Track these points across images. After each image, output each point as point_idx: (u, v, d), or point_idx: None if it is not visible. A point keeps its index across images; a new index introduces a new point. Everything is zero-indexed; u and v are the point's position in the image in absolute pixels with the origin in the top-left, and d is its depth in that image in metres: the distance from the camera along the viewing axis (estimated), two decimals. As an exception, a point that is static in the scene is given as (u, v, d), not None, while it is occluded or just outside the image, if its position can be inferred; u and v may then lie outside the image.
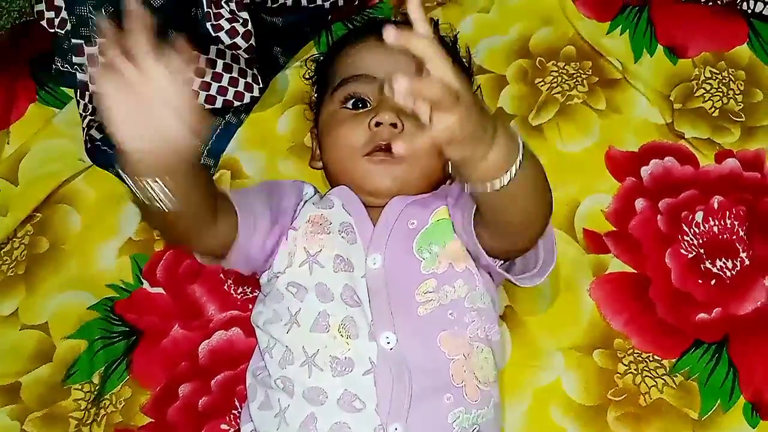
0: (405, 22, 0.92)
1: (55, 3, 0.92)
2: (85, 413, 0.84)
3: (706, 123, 0.94)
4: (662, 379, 0.81)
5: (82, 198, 0.96)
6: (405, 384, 0.67)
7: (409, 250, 0.73)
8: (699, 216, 0.88)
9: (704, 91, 0.96)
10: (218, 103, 0.97)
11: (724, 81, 0.96)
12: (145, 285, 0.90)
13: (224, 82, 0.97)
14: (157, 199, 0.59)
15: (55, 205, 0.95)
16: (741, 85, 0.96)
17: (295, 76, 1.00)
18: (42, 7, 0.96)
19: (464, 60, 0.94)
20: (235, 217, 0.71)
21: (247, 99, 0.97)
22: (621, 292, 0.85)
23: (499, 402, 0.74)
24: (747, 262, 0.85)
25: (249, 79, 0.97)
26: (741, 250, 0.86)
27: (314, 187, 0.82)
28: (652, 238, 0.87)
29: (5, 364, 0.87)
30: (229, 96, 0.97)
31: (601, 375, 0.81)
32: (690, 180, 0.91)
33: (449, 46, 0.89)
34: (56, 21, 0.88)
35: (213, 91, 0.97)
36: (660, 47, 0.99)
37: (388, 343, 0.69)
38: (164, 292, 0.89)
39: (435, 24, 0.96)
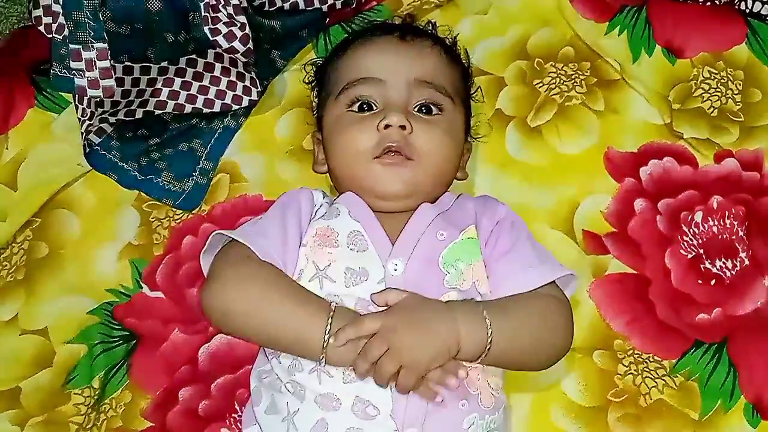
0: (405, 24, 0.92)
1: (53, 8, 0.92)
2: (85, 418, 0.84)
3: (705, 123, 0.94)
4: (663, 379, 0.80)
5: (81, 203, 0.96)
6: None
7: (434, 262, 0.72)
8: (698, 216, 0.88)
9: (703, 91, 0.96)
10: (217, 107, 0.98)
11: (722, 81, 0.96)
12: (145, 289, 0.90)
13: (222, 85, 0.97)
14: None
15: (54, 210, 0.95)
16: (739, 84, 0.96)
17: (293, 80, 1.01)
18: (40, 12, 0.96)
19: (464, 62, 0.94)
20: None
21: (245, 102, 0.98)
22: (621, 293, 0.85)
23: (506, 406, 0.74)
24: (746, 262, 0.85)
25: (247, 83, 0.97)
26: (740, 250, 0.86)
27: (323, 192, 0.81)
28: (652, 239, 0.87)
29: (5, 369, 0.87)
30: (228, 100, 0.97)
31: (602, 376, 0.81)
32: (689, 180, 0.91)
33: (450, 48, 0.89)
34: (54, 26, 0.87)
35: (211, 95, 0.97)
36: (658, 47, 0.99)
37: None
38: (164, 297, 0.89)
39: (433, 26, 0.96)
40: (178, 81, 0.96)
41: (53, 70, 0.86)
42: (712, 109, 0.95)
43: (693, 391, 0.80)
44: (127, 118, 0.96)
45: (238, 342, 0.85)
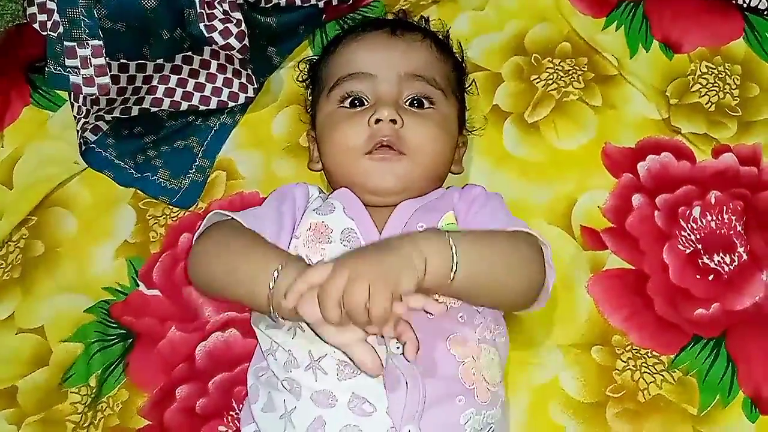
0: (396, 19, 0.92)
1: (48, 6, 0.92)
2: (82, 416, 0.84)
3: (703, 118, 0.94)
4: (661, 375, 0.80)
5: (77, 201, 0.95)
6: (418, 388, 0.67)
7: None
8: (696, 211, 0.88)
9: (700, 86, 0.96)
10: (213, 104, 0.97)
11: (720, 76, 0.96)
12: (141, 287, 0.90)
13: (219, 83, 0.97)
14: None
15: (50, 208, 0.95)
16: (737, 79, 0.96)
17: (289, 77, 1.00)
18: (34, 9, 0.95)
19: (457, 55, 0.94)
20: None
21: (241, 99, 0.97)
22: (619, 289, 0.85)
23: (504, 401, 0.74)
24: (745, 257, 0.85)
25: (243, 80, 0.96)
26: (738, 245, 0.86)
27: (318, 188, 0.81)
28: (650, 234, 0.87)
29: (2, 368, 0.87)
30: (224, 97, 0.97)
31: (600, 371, 0.81)
32: (687, 175, 0.90)
33: (441, 41, 0.88)
34: (49, 24, 0.87)
35: (207, 92, 0.97)
36: (656, 42, 0.99)
37: (398, 347, 0.67)
38: (160, 295, 0.89)
39: (426, 21, 0.96)
40: (174, 78, 0.96)
41: (48, 67, 0.86)
42: (709, 104, 0.95)
43: (691, 386, 0.80)
44: (123, 116, 0.95)
45: (235, 340, 0.85)
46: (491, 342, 0.72)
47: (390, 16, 1.01)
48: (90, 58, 0.85)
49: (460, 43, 0.95)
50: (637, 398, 0.79)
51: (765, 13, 0.98)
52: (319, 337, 0.62)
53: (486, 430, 0.70)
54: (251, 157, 0.96)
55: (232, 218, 0.74)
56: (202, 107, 0.97)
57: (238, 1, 0.92)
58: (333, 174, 0.81)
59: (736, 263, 0.85)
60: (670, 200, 0.89)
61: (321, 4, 1.02)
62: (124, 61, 0.91)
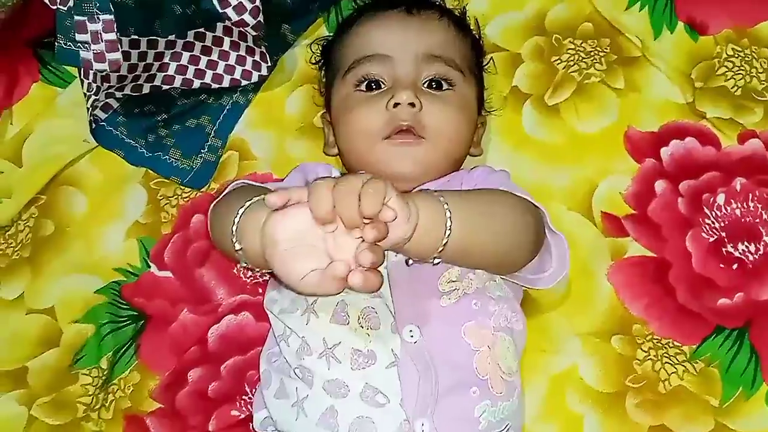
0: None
1: (57, -22, 0.90)
2: (93, 398, 0.83)
3: (729, 102, 0.91)
4: (682, 365, 0.79)
5: (87, 180, 0.94)
6: (431, 378, 0.66)
7: None
8: (721, 198, 0.86)
9: (726, 69, 0.93)
10: (226, 82, 0.95)
11: (746, 59, 0.93)
12: (153, 268, 0.88)
13: (232, 60, 0.95)
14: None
15: (59, 187, 0.93)
16: (764, 63, 0.93)
17: (303, 55, 0.98)
18: (43, -18, 0.93)
19: (475, 33, 0.91)
20: None
21: (255, 78, 0.95)
22: (640, 277, 0.83)
23: (521, 392, 0.73)
24: (770, 245, 0.83)
25: (257, 58, 0.94)
26: (764, 233, 0.84)
27: (340, 172, 0.80)
28: (673, 221, 0.85)
29: (12, 349, 0.86)
30: (237, 75, 0.95)
31: (620, 361, 0.79)
32: (712, 161, 0.88)
33: (459, 19, 0.86)
34: (58, -3, 0.85)
35: (220, 70, 0.95)
36: (680, 24, 0.96)
37: (412, 336, 0.66)
38: (172, 276, 0.88)
39: None
40: (185, 55, 0.94)
41: (58, 43, 0.84)
42: (735, 87, 0.92)
43: (713, 378, 0.78)
44: (134, 94, 0.93)
45: (248, 323, 0.84)
46: (507, 330, 0.71)
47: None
48: (101, 33, 0.83)
49: (477, 20, 0.93)
50: (657, 389, 0.78)
51: (795, -6, 0.96)
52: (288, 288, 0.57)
53: (503, 429, 0.68)
54: (264, 137, 0.95)
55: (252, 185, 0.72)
56: (214, 85, 0.95)
57: (252, -24, 0.89)
58: (350, 158, 0.80)
59: (761, 252, 0.83)
60: (693, 187, 0.87)
61: (336, -20, 1.00)
62: (135, 37, 0.89)
